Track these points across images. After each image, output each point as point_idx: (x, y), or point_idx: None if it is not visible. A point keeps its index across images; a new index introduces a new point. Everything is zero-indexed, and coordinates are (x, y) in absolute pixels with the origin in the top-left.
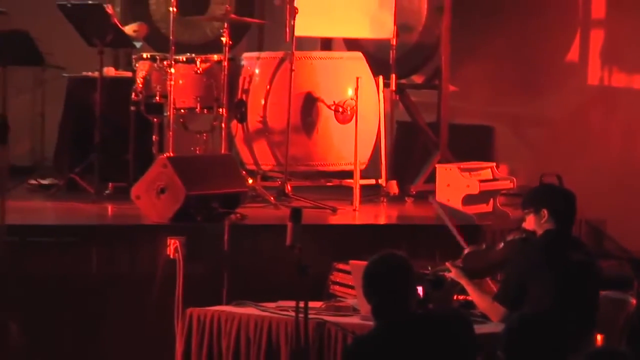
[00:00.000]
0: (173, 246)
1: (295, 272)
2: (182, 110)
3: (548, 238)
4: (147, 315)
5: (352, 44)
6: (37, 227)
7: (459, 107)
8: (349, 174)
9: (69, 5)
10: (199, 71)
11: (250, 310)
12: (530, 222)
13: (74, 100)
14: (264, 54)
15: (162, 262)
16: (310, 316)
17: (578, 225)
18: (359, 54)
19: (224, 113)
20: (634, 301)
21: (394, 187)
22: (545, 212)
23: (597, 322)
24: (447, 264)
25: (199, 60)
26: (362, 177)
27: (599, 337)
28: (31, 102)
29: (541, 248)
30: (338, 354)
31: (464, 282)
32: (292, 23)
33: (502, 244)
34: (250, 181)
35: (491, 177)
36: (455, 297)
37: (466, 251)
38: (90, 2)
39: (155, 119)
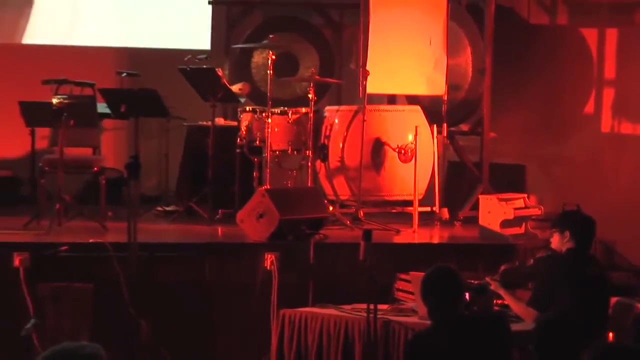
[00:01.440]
0: (269, 260)
1: (366, 280)
2: (277, 152)
3: (569, 255)
4: (249, 315)
5: (411, 99)
6: (162, 245)
7: (498, 150)
8: (409, 203)
9: (188, 69)
10: (290, 121)
11: (330, 311)
12: (555, 241)
13: (191, 144)
14: (342, 107)
15: (261, 272)
16: (378, 316)
17: (594, 244)
18: (418, 108)
19: (310, 154)
20: (639, 305)
21: (445, 213)
22: (567, 233)
23: (608, 322)
24: (487, 279)
25: (290, 112)
26: (420, 205)
27: (610, 334)
28: (158, 146)
29: (563, 263)
30: (400, 346)
31: (502, 292)
32: (364, 83)
33: (531, 260)
34: (331, 208)
35: (523, 206)
36: (495, 302)
37: (503, 268)
38: (204, 66)
39: (255, 159)
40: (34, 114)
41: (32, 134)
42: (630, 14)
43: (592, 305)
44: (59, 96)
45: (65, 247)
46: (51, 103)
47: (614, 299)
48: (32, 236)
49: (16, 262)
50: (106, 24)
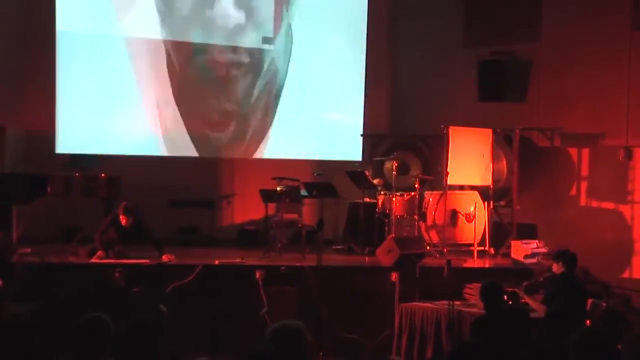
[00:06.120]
0: (394, 276)
1: (448, 287)
2: (398, 216)
3: (562, 275)
4: (382, 307)
5: (472, 187)
6: (335, 267)
7: (521, 216)
8: (471, 245)
9: (349, 171)
10: (405, 199)
11: (428, 304)
12: (554, 268)
13: (351, 212)
14: (434, 192)
15: (389, 283)
16: (455, 308)
17: (577, 269)
18: (476, 192)
19: (416, 217)
20: (604, 304)
21: (492, 251)
22: (561, 263)
23: (586, 314)
24: (516, 289)
25: (405, 194)
26: (477, 246)
27: (587, 322)
28: (333, 213)
29: (560, 280)
30: (467, 325)
31: (525, 296)
32: (446, 179)
33: (541, 278)
34: (428, 248)
35: (536, 247)
36: (520, 301)
37: (525, 283)
38: (358, 170)
39: (386, 220)
40: (267, 195)
41: (266, 206)
42: (595, 140)
43: (576, 304)
44: (280, 186)
45: (283, 268)
46: (276, 190)
47: (589, 300)
48: (265, 261)
49: (257, 275)
50: (303, 144)
